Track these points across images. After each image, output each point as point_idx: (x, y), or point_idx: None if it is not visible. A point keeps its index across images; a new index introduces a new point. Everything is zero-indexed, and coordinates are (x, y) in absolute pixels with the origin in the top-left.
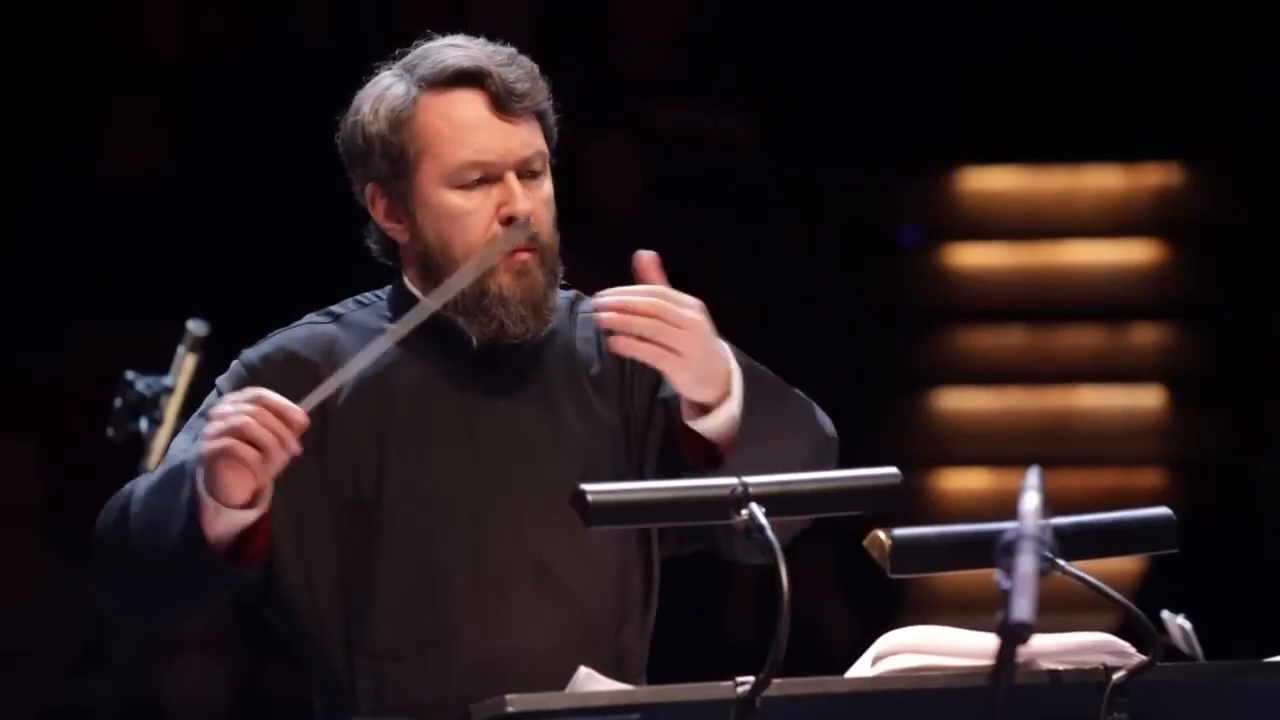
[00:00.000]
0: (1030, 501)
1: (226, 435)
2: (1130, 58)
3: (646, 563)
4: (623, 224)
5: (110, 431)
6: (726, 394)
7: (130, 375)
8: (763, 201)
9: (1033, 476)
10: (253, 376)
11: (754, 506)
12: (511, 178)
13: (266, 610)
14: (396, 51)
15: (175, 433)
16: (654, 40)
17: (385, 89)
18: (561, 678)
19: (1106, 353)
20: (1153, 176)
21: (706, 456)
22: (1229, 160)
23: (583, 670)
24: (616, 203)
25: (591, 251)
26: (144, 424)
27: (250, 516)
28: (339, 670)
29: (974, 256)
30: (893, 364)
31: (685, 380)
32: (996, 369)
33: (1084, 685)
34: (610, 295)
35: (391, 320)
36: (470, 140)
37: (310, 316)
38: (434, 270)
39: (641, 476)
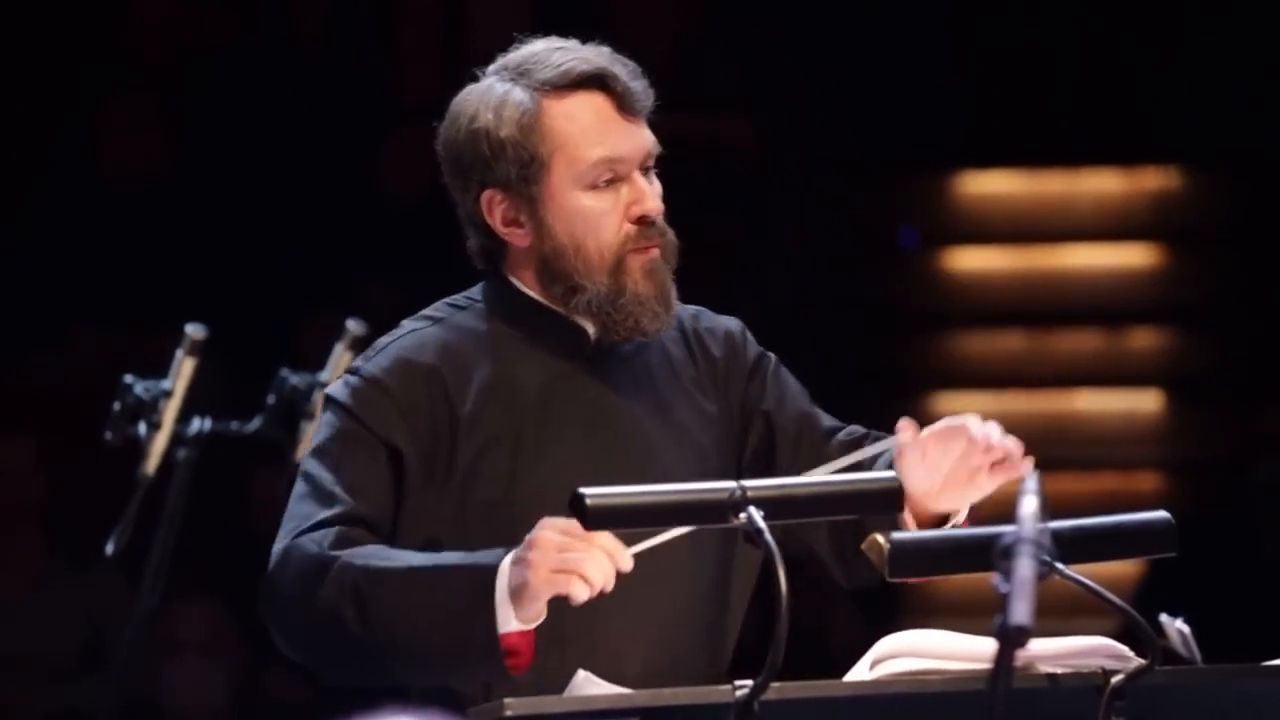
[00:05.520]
0: (1028, 505)
1: (567, 572)
2: (1130, 60)
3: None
4: None
5: (108, 435)
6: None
7: (129, 379)
8: (761, 205)
9: (1031, 480)
10: (382, 392)
11: (752, 510)
12: (639, 176)
13: None
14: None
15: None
16: (653, 43)
17: (503, 95)
18: (672, 661)
19: (1105, 356)
20: (1151, 180)
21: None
22: (1228, 163)
23: (581, 674)
24: None
25: None
26: (142, 428)
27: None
28: None
29: (973, 260)
30: (892, 367)
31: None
32: (995, 372)
33: (1082, 689)
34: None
35: (502, 320)
36: (601, 140)
37: (407, 323)
38: (560, 273)
39: (739, 473)
